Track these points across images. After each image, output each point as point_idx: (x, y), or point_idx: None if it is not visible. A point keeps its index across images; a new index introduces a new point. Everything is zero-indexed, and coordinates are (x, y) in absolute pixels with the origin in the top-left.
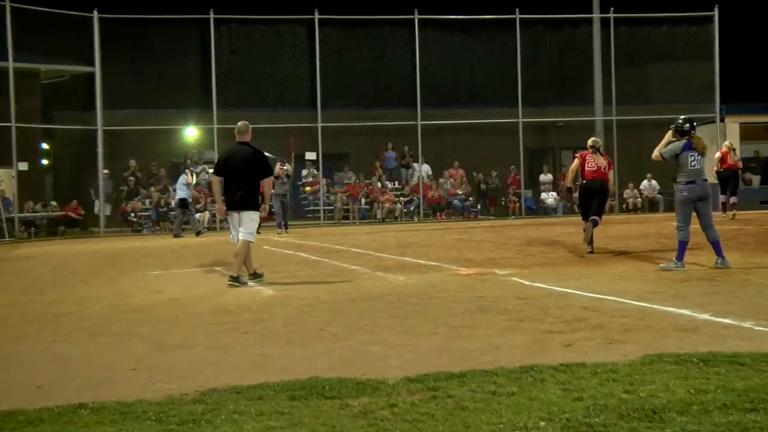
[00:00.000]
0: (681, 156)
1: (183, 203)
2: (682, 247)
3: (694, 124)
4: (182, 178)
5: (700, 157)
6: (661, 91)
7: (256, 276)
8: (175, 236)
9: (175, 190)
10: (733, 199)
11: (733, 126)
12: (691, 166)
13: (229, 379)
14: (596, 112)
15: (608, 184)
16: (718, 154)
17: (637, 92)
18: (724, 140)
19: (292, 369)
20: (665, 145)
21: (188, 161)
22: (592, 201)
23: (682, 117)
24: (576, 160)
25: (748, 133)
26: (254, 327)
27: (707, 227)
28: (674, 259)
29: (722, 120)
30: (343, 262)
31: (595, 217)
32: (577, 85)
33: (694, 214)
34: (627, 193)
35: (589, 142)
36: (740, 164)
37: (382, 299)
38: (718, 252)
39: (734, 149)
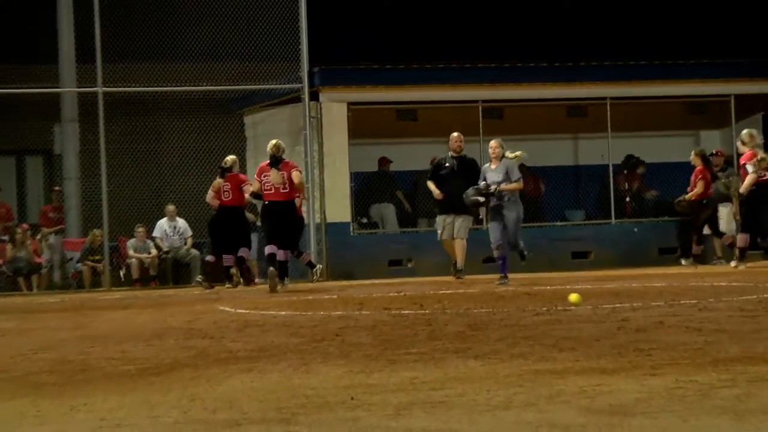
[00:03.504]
0: None
1: None
2: None
3: None
4: None
5: None
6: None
7: None
8: None
9: None
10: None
11: (337, 108)
12: None
13: None
14: (63, 79)
15: (296, 204)
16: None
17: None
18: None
19: None
20: None
21: None
22: (272, 230)
23: None
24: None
25: (363, 123)
26: None
27: None
28: None
29: (316, 96)
30: None
31: (283, 252)
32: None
33: None
34: (132, 244)
35: (269, 148)
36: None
37: None
38: None
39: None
